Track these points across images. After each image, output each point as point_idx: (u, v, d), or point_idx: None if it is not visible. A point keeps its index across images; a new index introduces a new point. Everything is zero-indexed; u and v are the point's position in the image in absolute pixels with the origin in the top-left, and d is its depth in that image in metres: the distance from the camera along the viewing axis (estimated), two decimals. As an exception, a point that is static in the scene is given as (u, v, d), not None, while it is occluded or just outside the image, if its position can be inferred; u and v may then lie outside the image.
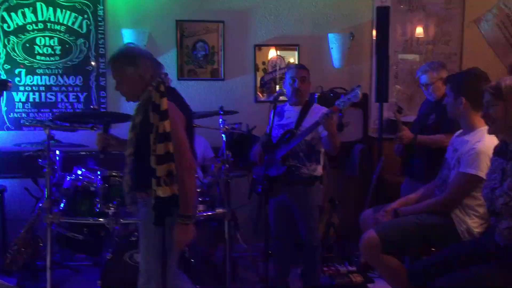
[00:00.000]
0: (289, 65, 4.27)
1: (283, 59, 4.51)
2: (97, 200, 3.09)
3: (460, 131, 2.71)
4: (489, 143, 2.43)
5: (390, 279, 2.70)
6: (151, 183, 2.11)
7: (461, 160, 2.51)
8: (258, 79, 4.48)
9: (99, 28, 4.18)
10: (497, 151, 2.25)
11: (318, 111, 3.14)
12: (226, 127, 3.32)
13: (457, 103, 2.60)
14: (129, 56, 2.34)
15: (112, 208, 3.00)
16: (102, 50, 4.20)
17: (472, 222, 2.51)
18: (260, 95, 4.50)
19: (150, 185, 2.12)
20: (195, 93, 4.40)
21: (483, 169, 2.42)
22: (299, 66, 3.33)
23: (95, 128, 3.01)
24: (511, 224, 2.06)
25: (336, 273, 3.73)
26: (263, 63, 4.48)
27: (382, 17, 4.06)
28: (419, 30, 4.63)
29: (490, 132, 2.22)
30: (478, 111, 2.57)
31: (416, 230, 2.57)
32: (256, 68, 4.45)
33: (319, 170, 3.27)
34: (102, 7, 4.16)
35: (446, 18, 4.66)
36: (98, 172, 3.15)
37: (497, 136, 2.31)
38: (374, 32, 4.38)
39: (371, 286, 3.63)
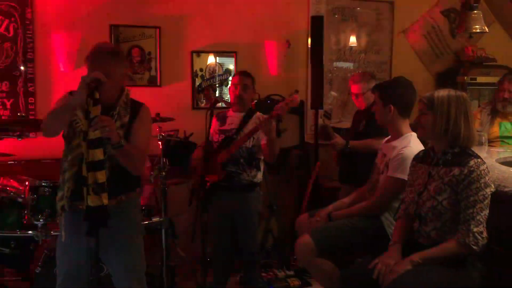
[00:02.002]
0: (234, 72, 4.31)
1: (221, 66, 4.52)
2: (25, 211, 2.95)
3: (389, 137, 2.83)
4: (415, 148, 2.55)
5: (324, 282, 2.76)
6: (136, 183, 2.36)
7: (389, 165, 2.62)
8: (196, 85, 4.45)
9: (28, 32, 3.98)
10: (420, 158, 2.36)
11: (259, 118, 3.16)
12: (163, 134, 3.28)
13: (385, 110, 2.71)
14: (122, 54, 2.35)
15: (41, 220, 2.89)
16: (30, 55, 4.00)
17: (400, 224, 2.61)
18: (198, 102, 4.47)
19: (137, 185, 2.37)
20: (131, 99, 4.30)
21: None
22: (243, 73, 3.34)
23: (22, 137, 2.88)
24: (437, 225, 2.17)
25: (274, 278, 3.78)
26: (201, 69, 4.46)
27: (317, 26, 4.15)
28: (352, 40, 4.80)
29: (418, 135, 2.34)
30: (405, 118, 2.72)
31: (349, 233, 2.65)
32: (193, 75, 4.43)
33: (259, 176, 3.29)
34: (30, 10, 3.97)
35: (377, 28, 4.86)
36: (26, 183, 3.01)
37: (426, 142, 2.43)
38: (309, 41, 4.49)
39: (308, 289, 3.71)
